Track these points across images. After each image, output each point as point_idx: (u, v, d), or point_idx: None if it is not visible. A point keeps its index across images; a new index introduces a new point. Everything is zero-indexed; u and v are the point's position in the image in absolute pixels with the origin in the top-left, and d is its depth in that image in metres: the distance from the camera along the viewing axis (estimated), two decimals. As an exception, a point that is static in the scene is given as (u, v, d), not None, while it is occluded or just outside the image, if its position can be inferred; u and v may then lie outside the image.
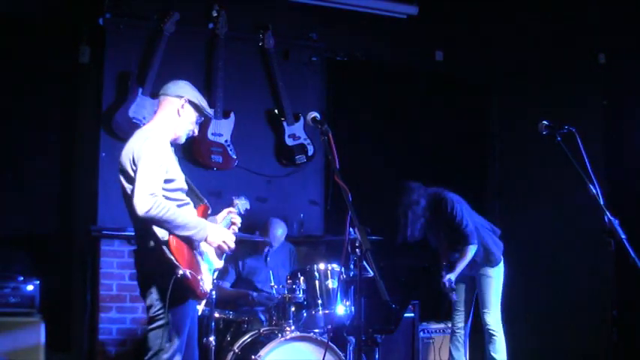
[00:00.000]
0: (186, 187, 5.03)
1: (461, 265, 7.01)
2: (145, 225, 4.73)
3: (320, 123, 4.80)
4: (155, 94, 7.47)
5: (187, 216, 4.78)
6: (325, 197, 8.48)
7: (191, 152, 7.70)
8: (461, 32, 9.26)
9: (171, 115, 5.04)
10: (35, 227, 7.55)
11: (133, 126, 7.39)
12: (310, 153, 8.29)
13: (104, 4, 7.53)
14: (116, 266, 7.42)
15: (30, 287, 6.67)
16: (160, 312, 4.71)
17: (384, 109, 8.99)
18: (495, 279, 7.17)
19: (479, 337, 7.39)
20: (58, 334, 7.15)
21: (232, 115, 7.92)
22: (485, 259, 7.14)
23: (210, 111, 5.25)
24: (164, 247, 4.64)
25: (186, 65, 7.87)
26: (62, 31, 7.68)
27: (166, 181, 4.79)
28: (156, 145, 4.79)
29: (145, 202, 4.55)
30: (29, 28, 7.55)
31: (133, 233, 6.58)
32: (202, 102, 5.14)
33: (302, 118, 8.22)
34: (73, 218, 7.73)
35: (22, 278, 6.70)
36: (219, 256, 5.15)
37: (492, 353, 7.10)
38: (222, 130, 7.85)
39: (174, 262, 4.58)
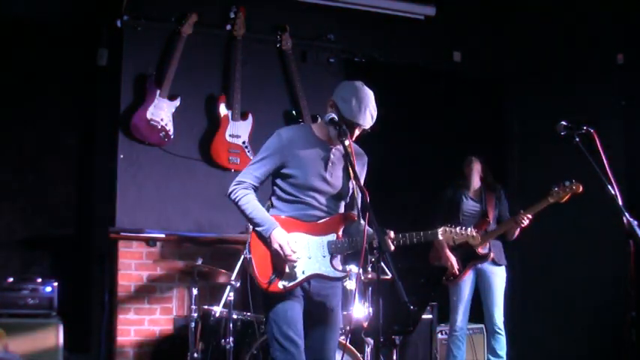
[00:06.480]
0: (322, 187, 4.81)
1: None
2: None
3: (338, 125, 4.80)
4: (173, 96, 7.53)
5: (258, 212, 4.75)
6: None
7: (209, 153, 7.73)
8: (479, 33, 9.24)
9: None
10: (53, 229, 7.59)
11: (151, 128, 7.42)
12: (328, 155, 8.25)
13: (122, 7, 7.54)
14: (134, 267, 7.42)
15: (48, 289, 6.70)
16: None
17: (402, 110, 8.96)
18: (503, 279, 7.43)
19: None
20: (77, 336, 7.17)
21: (250, 116, 7.90)
22: (497, 253, 7.42)
23: (353, 118, 4.93)
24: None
25: (204, 67, 7.90)
26: (80, 34, 7.72)
27: (281, 176, 4.89)
28: (271, 140, 5.03)
29: (230, 186, 4.84)
30: (47, 30, 7.60)
31: (150, 235, 6.60)
32: (348, 105, 4.93)
33: (320, 120, 8.18)
34: (91, 220, 7.76)
35: (40, 280, 6.74)
36: (336, 264, 4.79)
37: (499, 351, 7.30)
38: (240, 131, 7.84)
39: (247, 244, 4.80)
